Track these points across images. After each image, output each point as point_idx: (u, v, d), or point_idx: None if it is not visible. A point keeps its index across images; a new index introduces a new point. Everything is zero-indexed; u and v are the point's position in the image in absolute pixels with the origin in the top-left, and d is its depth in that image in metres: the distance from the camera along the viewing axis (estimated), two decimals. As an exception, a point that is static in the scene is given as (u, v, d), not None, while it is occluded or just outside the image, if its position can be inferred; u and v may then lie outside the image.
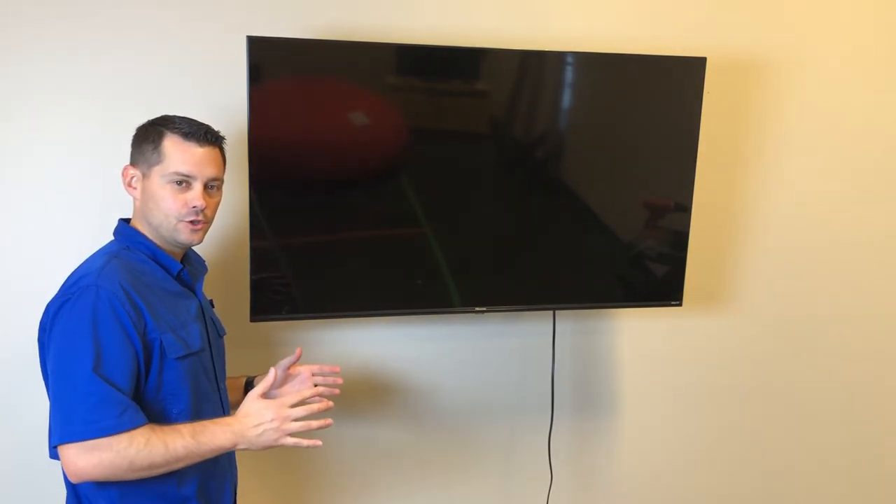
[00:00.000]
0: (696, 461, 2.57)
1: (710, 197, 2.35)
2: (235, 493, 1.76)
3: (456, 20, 2.10)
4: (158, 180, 1.55)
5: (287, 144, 1.89)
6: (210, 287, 1.77)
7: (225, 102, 1.92)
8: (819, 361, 2.60)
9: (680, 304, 2.24)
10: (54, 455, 1.49)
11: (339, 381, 1.84)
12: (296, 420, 1.51)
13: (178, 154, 1.55)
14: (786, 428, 2.62)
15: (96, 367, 1.42)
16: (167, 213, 1.56)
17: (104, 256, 1.55)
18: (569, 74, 2.07)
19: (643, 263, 2.22)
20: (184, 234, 1.58)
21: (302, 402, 1.54)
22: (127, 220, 1.65)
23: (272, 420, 1.50)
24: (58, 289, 1.54)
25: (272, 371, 1.61)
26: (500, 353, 2.33)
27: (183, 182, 1.55)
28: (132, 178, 1.59)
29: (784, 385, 2.58)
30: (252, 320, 1.93)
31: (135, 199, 1.60)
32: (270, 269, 1.93)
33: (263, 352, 2.10)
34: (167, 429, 1.46)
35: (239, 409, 1.54)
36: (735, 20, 2.31)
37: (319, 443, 1.53)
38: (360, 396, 2.24)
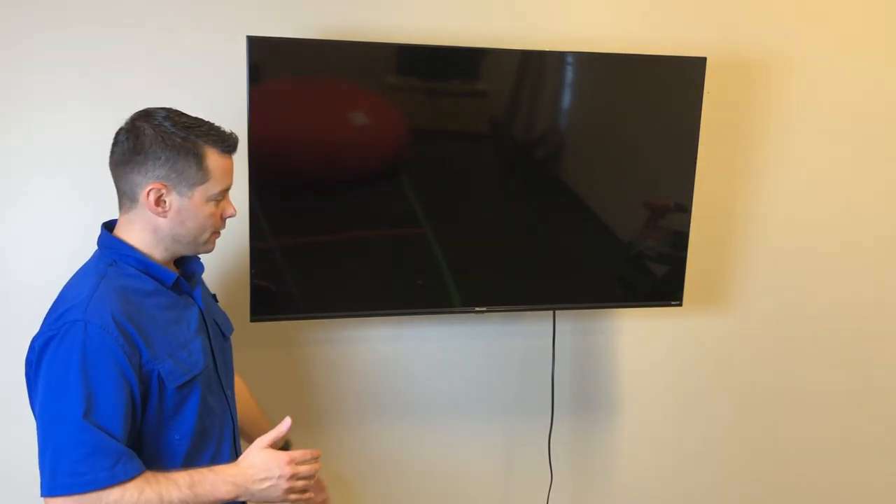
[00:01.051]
0: (695, 461, 2.57)
1: (710, 197, 2.35)
2: None
3: (456, 20, 2.10)
4: (202, 199, 1.45)
5: (287, 144, 1.89)
6: (210, 287, 1.77)
7: (225, 102, 1.92)
8: (819, 361, 2.60)
9: (680, 304, 2.24)
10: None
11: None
12: (301, 479, 1.44)
13: (220, 171, 1.47)
14: (785, 427, 2.62)
15: (87, 413, 1.31)
16: (206, 229, 1.49)
17: (92, 278, 1.43)
18: (569, 74, 2.07)
19: (643, 263, 2.22)
20: (211, 245, 1.53)
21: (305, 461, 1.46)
22: (110, 226, 1.52)
23: (279, 477, 1.41)
24: (48, 315, 1.42)
25: (287, 421, 1.48)
26: (499, 352, 2.33)
27: (222, 197, 1.50)
28: (160, 196, 1.43)
29: (784, 385, 2.58)
30: (252, 320, 1.93)
31: (158, 217, 1.45)
32: (270, 269, 1.93)
33: (264, 352, 2.10)
34: (162, 479, 1.35)
35: (243, 459, 1.44)
36: (735, 20, 2.31)
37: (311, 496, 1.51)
38: (359, 396, 2.24)
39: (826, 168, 2.47)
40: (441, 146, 2.03)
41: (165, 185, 1.43)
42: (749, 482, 2.63)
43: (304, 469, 1.44)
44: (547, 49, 2.03)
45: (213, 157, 1.45)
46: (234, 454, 1.62)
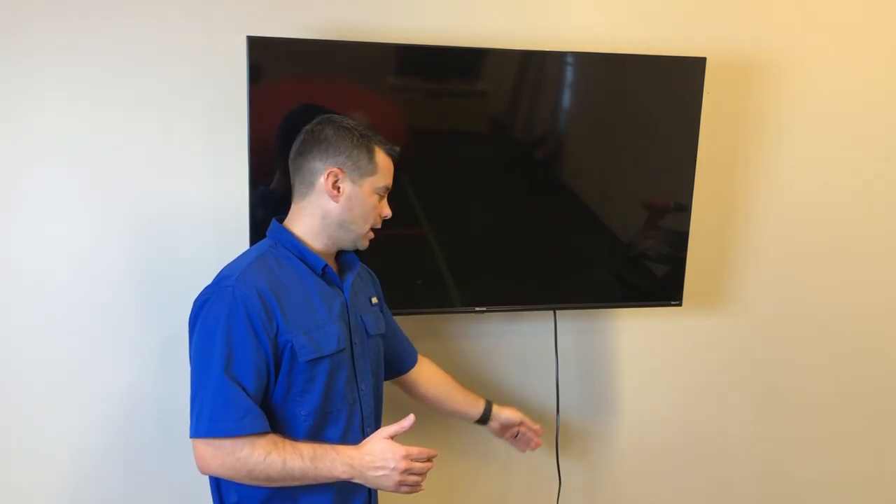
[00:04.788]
0: (696, 461, 2.57)
1: (710, 197, 2.35)
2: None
3: (456, 20, 2.10)
4: (370, 190, 1.64)
5: (287, 144, 1.89)
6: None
7: (225, 102, 1.92)
8: (819, 361, 2.60)
9: (680, 304, 2.24)
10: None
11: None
12: (413, 474, 1.55)
13: (386, 168, 1.66)
14: (786, 427, 2.62)
15: (227, 367, 1.48)
16: (367, 220, 1.66)
17: (252, 256, 1.61)
18: (569, 74, 2.07)
19: (643, 263, 2.22)
20: (366, 241, 1.69)
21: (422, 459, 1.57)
22: (280, 219, 1.68)
23: (394, 469, 1.52)
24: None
25: (411, 417, 1.59)
26: (500, 353, 2.33)
27: (384, 194, 1.68)
28: (337, 180, 1.62)
29: (784, 384, 2.58)
30: (252, 320, 1.93)
31: (331, 200, 1.62)
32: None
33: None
34: (289, 446, 1.51)
35: (364, 444, 1.56)
36: (735, 20, 2.31)
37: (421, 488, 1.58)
38: (360, 396, 2.24)
39: (826, 168, 2.47)
40: (441, 146, 2.03)
41: (342, 171, 1.61)
42: (749, 481, 2.63)
43: (417, 466, 1.55)
44: (547, 49, 2.04)
45: (381, 155, 1.65)
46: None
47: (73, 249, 1.95)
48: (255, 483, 1.51)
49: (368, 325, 1.74)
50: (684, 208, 2.19)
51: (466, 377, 2.32)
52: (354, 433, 1.67)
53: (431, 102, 2.02)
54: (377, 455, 1.53)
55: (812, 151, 2.45)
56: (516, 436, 2.11)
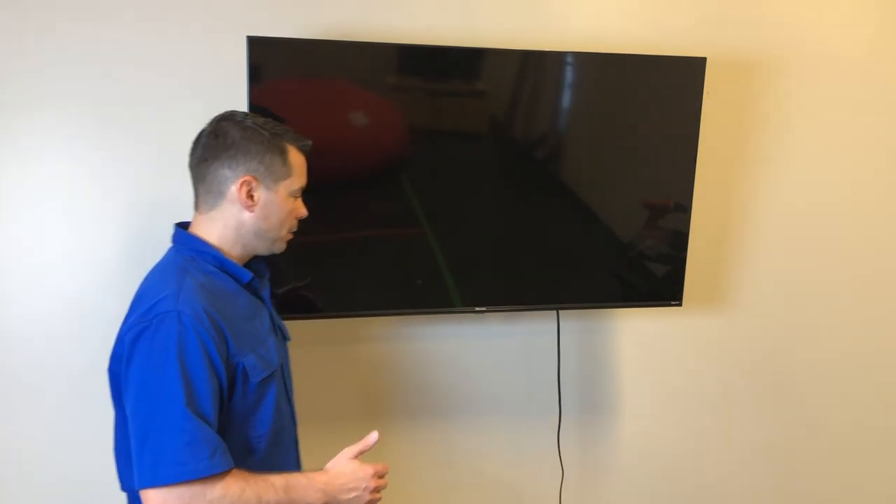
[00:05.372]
0: (695, 461, 2.57)
1: (710, 197, 2.35)
2: None
3: (456, 20, 2.10)
4: (286, 194, 1.52)
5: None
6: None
7: (225, 102, 1.92)
8: (819, 361, 2.60)
9: (680, 304, 2.24)
10: (130, 492, 1.46)
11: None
12: (377, 491, 1.52)
13: (301, 168, 1.55)
14: (785, 427, 2.62)
15: (189, 402, 1.33)
16: (284, 225, 1.54)
17: (174, 273, 1.44)
18: (569, 74, 2.07)
19: (643, 263, 2.22)
20: (283, 245, 1.58)
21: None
22: (184, 226, 1.55)
23: (365, 488, 1.48)
24: (132, 311, 1.44)
25: (375, 434, 1.56)
26: (500, 352, 2.33)
27: (299, 195, 1.56)
28: (251, 188, 1.48)
29: (784, 384, 2.58)
30: (252, 320, 1.93)
31: (245, 210, 1.49)
32: (270, 270, 1.93)
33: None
34: (260, 480, 1.39)
35: (331, 468, 1.49)
36: (735, 20, 2.31)
37: None
38: (359, 396, 2.24)
39: (826, 168, 2.47)
40: (441, 146, 2.03)
41: (256, 178, 1.48)
42: (749, 481, 2.63)
43: (382, 483, 1.52)
44: (547, 49, 2.03)
45: (294, 153, 1.53)
46: (297, 461, 1.66)
47: (73, 249, 1.95)
48: None
49: (285, 332, 1.68)
50: (684, 208, 2.19)
51: (466, 377, 2.32)
52: (292, 450, 1.62)
53: (431, 102, 2.02)
54: (349, 477, 1.48)
55: (812, 151, 2.45)
56: None
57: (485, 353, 2.32)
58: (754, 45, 2.34)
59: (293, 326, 2.11)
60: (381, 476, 1.53)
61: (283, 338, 1.68)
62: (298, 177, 1.54)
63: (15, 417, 1.99)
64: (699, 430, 2.55)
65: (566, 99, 2.09)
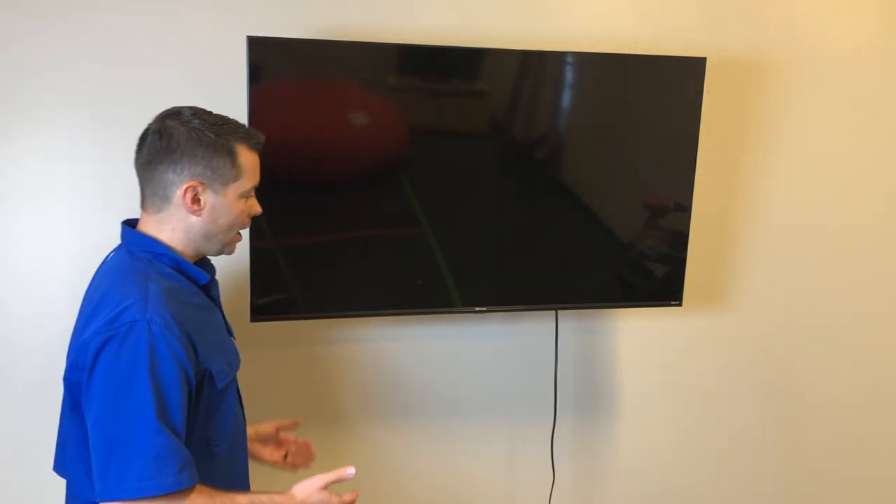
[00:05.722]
0: (695, 461, 2.57)
1: (710, 197, 2.34)
2: None
3: (456, 20, 2.10)
4: (235, 196, 1.45)
5: (287, 144, 1.89)
6: (210, 287, 1.77)
7: (225, 102, 1.91)
8: (818, 361, 2.60)
9: (680, 304, 2.23)
10: (80, 502, 1.42)
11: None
12: None
13: (251, 168, 1.47)
14: (785, 427, 2.62)
15: (160, 414, 1.29)
16: (235, 227, 1.48)
17: (135, 278, 1.39)
18: (569, 74, 2.07)
19: (643, 263, 2.22)
20: (233, 246, 1.52)
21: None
22: (132, 224, 1.49)
23: None
24: (91, 317, 1.38)
25: (351, 469, 1.47)
26: (500, 352, 2.33)
27: (252, 195, 1.50)
28: (197, 193, 1.42)
29: (784, 384, 2.58)
30: (252, 320, 1.93)
31: (192, 216, 1.43)
32: (271, 269, 1.93)
33: (264, 352, 2.10)
34: (225, 497, 1.35)
35: (297, 492, 1.42)
36: (735, 20, 2.31)
37: None
38: (359, 396, 2.24)
39: (826, 168, 2.47)
40: (441, 146, 2.03)
41: (202, 183, 1.42)
42: (749, 481, 2.63)
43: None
44: (547, 49, 2.03)
45: (244, 154, 1.45)
46: (246, 462, 1.62)
47: (73, 249, 1.95)
48: None
49: (231, 331, 1.63)
50: (684, 208, 2.19)
51: (466, 377, 2.32)
52: (244, 451, 1.59)
53: (431, 102, 2.02)
54: (314, 503, 1.43)
55: (812, 151, 2.45)
56: (285, 457, 1.81)
57: (484, 353, 2.32)
58: (754, 45, 2.34)
59: (293, 326, 2.12)
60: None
61: (232, 337, 1.64)
62: (249, 177, 1.46)
63: (15, 417, 1.99)
64: (699, 429, 2.55)
65: (566, 99, 2.09)
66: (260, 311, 1.93)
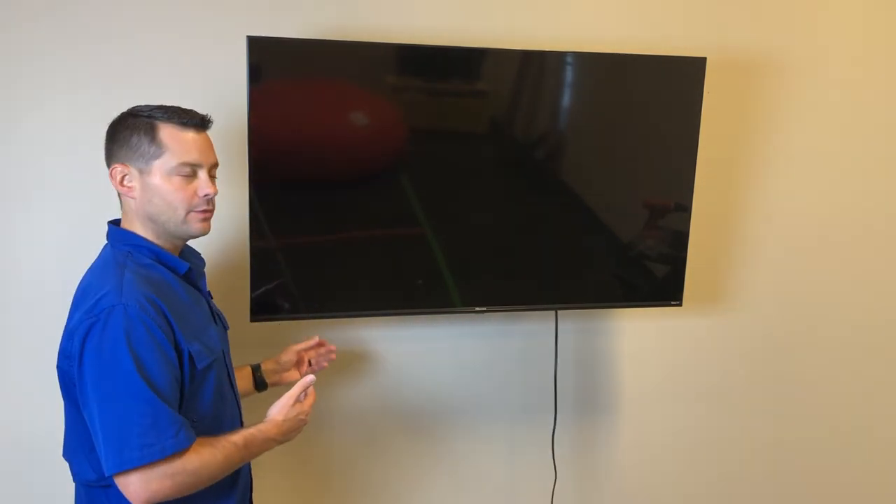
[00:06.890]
0: (695, 461, 2.57)
1: (710, 197, 2.35)
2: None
3: (456, 20, 2.10)
4: (162, 174, 1.48)
5: (287, 144, 1.89)
6: (211, 287, 1.77)
7: (225, 102, 1.92)
8: (818, 360, 2.60)
9: (680, 304, 2.24)
10: (83, 485, 1.52)
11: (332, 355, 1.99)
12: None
13: (179, 144, 1.49)
14: (785, 426, 2.62)
15: (150, 385, 1.38)
16: (176, 206, 1.49)
17: (113, 269, 1.47)
18: (569, 74, 2.07)
19: (643, 263, 2.22)
20: (195, 226, 1.53)
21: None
22: (116, 223, 1.57)
23: (302, 421, 1.60)
24: (76, 308, 1.48)
25: (311, 377, 1.61)
26: (500, 352, 2.33)
27: (189, 172, 1.50)
28: (124, 176, 1.49)
29: (784, 384, 2.58)
30: (252, 320, 1.93)
31: (129, 198, 1.51)
32: (271, 269, 1.93)
33: (264, 352, 2.10)
34: (223, 441, 1.48)
35: (277, 414, 1.57)
36: (735, 20, 2.31)
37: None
38: (359, 396, 2.24)
39: (826, 168, 2.47)
40: (441, 146, 2.03)
41: (125, 164, 1.49)
42: (749, 481, 2.63)
43: (311, 403, 1.62)
44: (547, 49, 2.04)
45: (167, 130, 1.49)
46: None
47: (72, 249, 1.95)
48: (197, 489, 1.45)
49: (224, 321, 1.73)
50: (684, 208, 2.19)
51: (466, 377, 2.32)
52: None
53: (431, 102, 2.02)
54: (294, 421, 1.58)
55: (812, 151, 2.45)
56: (310, 363, 1.99)
57: (484, 353, 2.32)
58: (754, 45, 2.34)
59: (293, 326, 2.12)
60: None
61: (224, 327, 1.72)
62: (175, 154, 1.48)
63: (15, 418, 1.99)
64: (699, 429, 2.55)
65: (566, 99, 2.09)
66: (259, 311, 1.93)
